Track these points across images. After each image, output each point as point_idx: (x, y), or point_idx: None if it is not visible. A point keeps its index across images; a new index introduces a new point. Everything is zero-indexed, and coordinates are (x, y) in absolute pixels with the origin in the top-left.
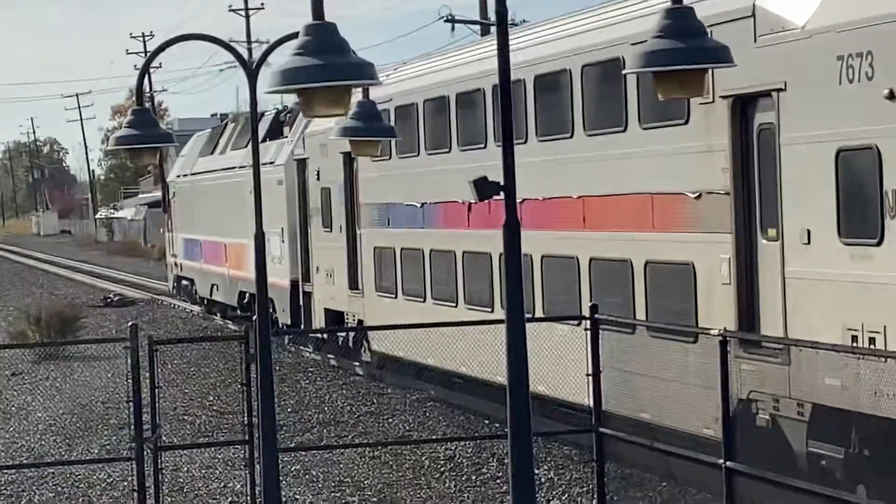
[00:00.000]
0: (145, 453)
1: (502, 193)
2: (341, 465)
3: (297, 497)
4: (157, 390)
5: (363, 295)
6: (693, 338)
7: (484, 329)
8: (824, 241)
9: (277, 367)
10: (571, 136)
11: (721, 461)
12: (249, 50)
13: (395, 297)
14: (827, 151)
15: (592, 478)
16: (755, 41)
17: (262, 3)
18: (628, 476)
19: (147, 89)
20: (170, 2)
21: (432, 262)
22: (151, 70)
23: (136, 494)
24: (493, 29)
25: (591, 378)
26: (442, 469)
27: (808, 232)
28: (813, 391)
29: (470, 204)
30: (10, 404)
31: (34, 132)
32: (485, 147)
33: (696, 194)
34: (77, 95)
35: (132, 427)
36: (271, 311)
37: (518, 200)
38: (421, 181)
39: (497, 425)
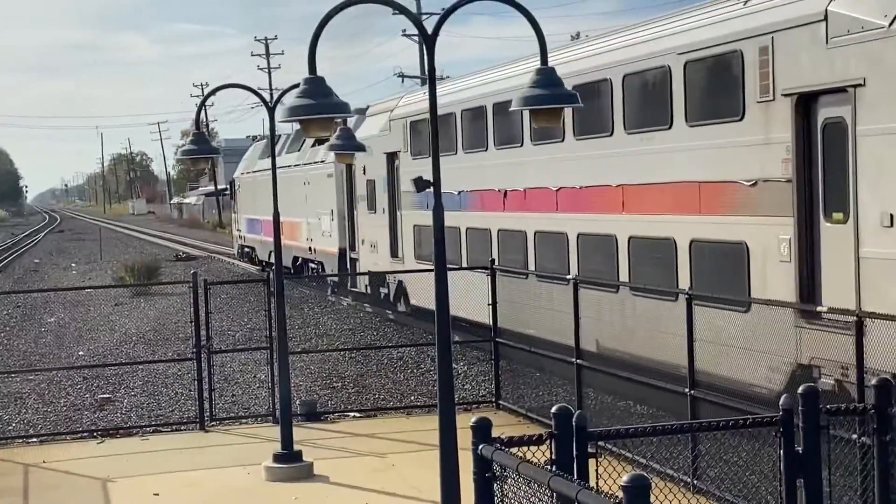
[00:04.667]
0: (202, 355)
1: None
2: (330, 363)
3: (301, 383)
4: (209, 315)
5: (403, 261)
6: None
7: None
8: None
9: (288, 300)
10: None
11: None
12: (271, 94)
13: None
14: None
15: (491, 371)
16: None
17: (279, 64)
18: (515, 369)
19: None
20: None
21: (468, 237)
22: (206, 106)
23: (196, 383)
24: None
25: (491, 307)
26: (395, 366)
27: None
28: None
29: (506, 191)
30: (115, 324)
31: (130, 147)
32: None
33: None
34: (158, 123)
35: (193, 338)
36: (321, 271)
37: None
38: (458, 174)
39: (431, 336)
